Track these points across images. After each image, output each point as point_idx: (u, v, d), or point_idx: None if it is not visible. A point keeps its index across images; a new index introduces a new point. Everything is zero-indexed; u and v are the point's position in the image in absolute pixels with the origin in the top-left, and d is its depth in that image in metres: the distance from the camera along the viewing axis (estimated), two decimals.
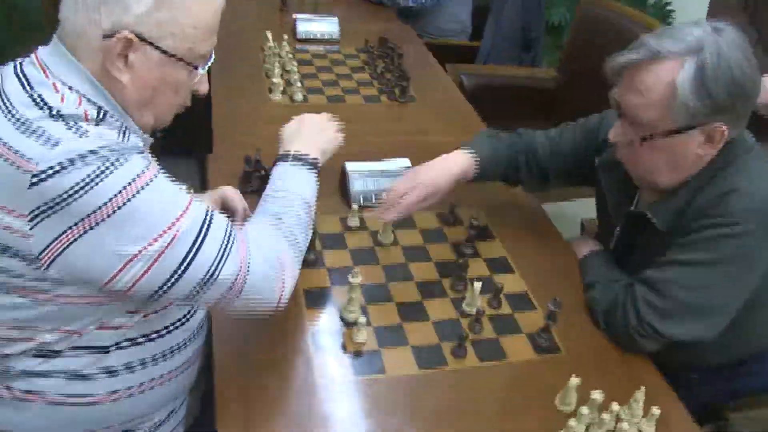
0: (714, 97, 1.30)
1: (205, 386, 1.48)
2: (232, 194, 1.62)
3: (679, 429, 1.34)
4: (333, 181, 1.87)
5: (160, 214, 1.05)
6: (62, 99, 1.06)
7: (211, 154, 1.98)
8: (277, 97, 2.31)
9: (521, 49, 3.78)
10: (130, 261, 1.03)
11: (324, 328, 1.43)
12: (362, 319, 1.39)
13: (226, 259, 1.10)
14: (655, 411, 1.27)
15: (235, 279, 1.11)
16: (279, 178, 1.35)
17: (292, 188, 1.32)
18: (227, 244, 1.11)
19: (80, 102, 1.08)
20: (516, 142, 1.78)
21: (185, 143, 3.41)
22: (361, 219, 1.75)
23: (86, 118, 1.06)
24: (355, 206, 1.73)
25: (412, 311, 1.50)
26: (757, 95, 1.36)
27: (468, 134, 2.27)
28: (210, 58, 1.21)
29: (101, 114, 1.09)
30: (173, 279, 1.07)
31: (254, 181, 1.79)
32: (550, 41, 4.66)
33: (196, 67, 1.18)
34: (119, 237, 1.02)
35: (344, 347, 1.39)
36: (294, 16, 2.92)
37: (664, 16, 4.42)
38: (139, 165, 1.05)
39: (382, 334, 1.43)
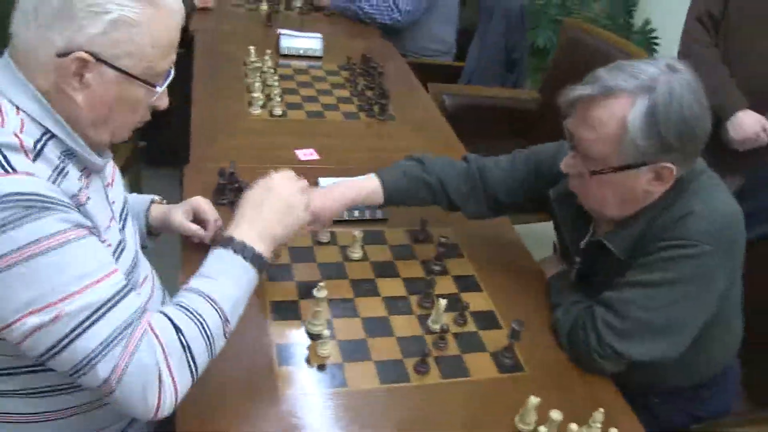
0: (663, 137, 1.32)
1: None
2: (204, 205, 1.62)
3: None
4: None
5: (51, 284, 0.98)
6: (2, 123, 1.03)
7: (187, 165, 1.99)
8: (256, 111, 2.33)
9: (505, 70, 3.82)
10: (8, 325, 0.98)
11: (289, 341, 1.43)
12: (327, 332, 1.40)
13: (99, 359, 1.01)
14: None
15: (102, 384, 1.02)
16: (210, 272, 1.19)
17: (217, 294, 1.16)
18: (111, 342, 1.01)
19: (22, 127, 1.04)
20: (458, 168, 1.78)
21: (169, 154, 3.43)
22: (332, 234, 1.76)
23: (21, 149, 1.01)
24: None
25: (377, 326, 1.51)
26: (706, 136, 1.38)
27: (446, 153, 2.29)
28: (169, 75, 1.18)
29: (44, 140, 1.06)
30: (48, 355, 1.00)
31: (228, 194, 1.80)
32: (536, 63, 4.71)
33: (154, 86, 1.15)
34: (8, 296, 0.97)
35: (308, 360, 1.39)
36: (278, 31, 2.95)
37: (649, 43, 4.48)
38: (54, 225, 0.99)
39: (346, 348, 1.44)
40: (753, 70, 2.48)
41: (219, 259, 1.20)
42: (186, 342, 1.09)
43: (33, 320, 0.97)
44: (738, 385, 1.78)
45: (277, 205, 1.30)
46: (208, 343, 1.12)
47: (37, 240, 0.97)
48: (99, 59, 1.05)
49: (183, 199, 1.67)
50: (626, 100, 1.32)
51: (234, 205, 1.75)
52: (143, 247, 1.46)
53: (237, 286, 1.19)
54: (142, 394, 1.04)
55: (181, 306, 1.13)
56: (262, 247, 1.24)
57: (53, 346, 0.99)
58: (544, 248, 2.25)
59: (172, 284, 1.47)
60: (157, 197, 1.64)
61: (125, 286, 1.07)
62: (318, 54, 2.90)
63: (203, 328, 1.11)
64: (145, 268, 1.40)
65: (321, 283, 1.43)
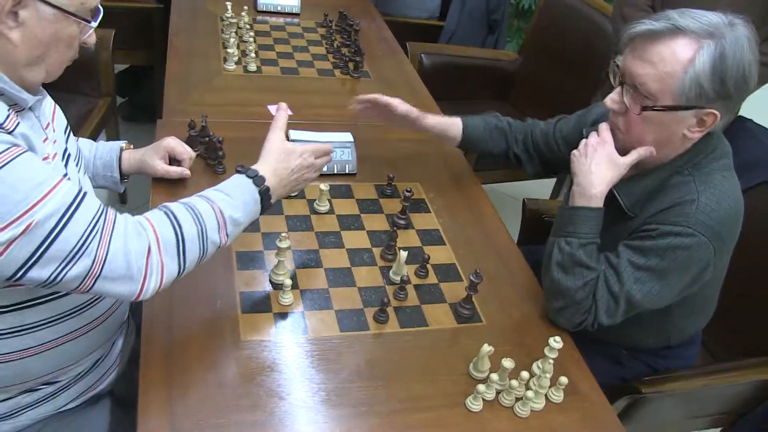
0: (725, 85, 1.32)
1: (136, 337, 1.52)
2: (178, 147, 1.69)
3: (588, 397, 1.39)
4: None
5: (13, 199, 0.99)
6: None
7: (159, 120, 2.00)
8: (231, 66, 2.33)
9: (485, 31, 3.81)
10: None
11: (253, 290, 1.47)
12: (288, 282, 1.43)
13: (80, 256, 1.06)
14: (563, 380, 1.33)
15: (86, 276, 1.08)
16: (226, 189, 1.31)
17: (226, 207, 1.27)
18: (86, 239, 1.06)
19: None
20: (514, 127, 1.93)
21: (147, 109, 3.42)
22: None
23: None
24: None
25: (339, 277, 1.55)
26: (751, 91, 1.39)
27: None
28: (99, 11, 1.17)
29: None
30: (24, 268, 1.03)
31: (198, 146, 1.82)
32: (520, 24, 4.69)
33: (88, 22, 1.14)
34: None
35: (271, 308, 1.43)
36: None
37: None
38: None
39: (308, 297, 1.48)
40: None
41: (237, 183, 1.32)
42: (182, 235, 1.20)
43: (4, 236, 0.99)
44: (699, 344, 1.83)
45: (292, 168, 1.41)
46: (202, 245, 1.23)
47: None
48: None
49: None
50: (692, 42, 1.32)
51: (203, 159, 1.79)
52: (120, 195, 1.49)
53: (244, 211, 1.30)
54: (124, 281, 1.12)
55: (188, 206, 1.24)
56: (277, 190, 1.38)
57: (32, 256, 1.02)
58: (508, 206, 2.29)
59: None
60: (123, 143, 1.67)
61: (80, 189, 1.10)
62: (295, 11, 2.88)
63: (202, 231, 1.22)
64: None
65: (283, 234, 1.46)
